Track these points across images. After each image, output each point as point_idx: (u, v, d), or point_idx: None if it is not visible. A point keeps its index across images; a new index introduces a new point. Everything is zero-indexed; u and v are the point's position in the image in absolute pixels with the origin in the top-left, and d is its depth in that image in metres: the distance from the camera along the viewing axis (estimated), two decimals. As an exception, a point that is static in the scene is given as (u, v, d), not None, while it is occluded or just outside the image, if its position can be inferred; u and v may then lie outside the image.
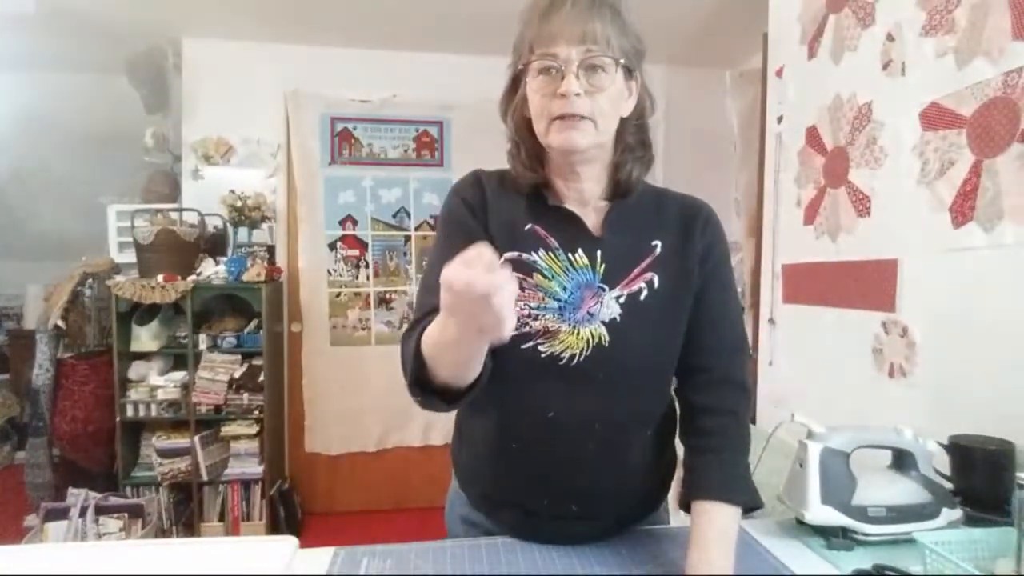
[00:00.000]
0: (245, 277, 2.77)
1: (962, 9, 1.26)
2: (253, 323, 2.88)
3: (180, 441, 2.76)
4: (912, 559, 0.81)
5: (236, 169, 3.14)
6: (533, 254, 0.83)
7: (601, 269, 0.82)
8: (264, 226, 3.07)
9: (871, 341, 1.53)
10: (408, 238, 3.34)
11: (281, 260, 3.20)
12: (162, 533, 2.74)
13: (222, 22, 2.93)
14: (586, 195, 0.86)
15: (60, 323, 2.70)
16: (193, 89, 3.13)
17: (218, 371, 2.76)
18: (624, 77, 0.81)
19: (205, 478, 2.77)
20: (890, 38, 1.48)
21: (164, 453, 2.74)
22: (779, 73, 2.02)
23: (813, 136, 1.80)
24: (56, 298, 2.75)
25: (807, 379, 1.85)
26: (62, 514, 2.48)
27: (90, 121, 3.38)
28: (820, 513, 0.91)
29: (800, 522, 0.95)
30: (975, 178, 1.23)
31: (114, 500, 2.61)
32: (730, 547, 0.77)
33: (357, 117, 3.26)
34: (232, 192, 2.96)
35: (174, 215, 2.88)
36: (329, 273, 3.27)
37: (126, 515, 2.57)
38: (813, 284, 1.80)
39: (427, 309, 0.79)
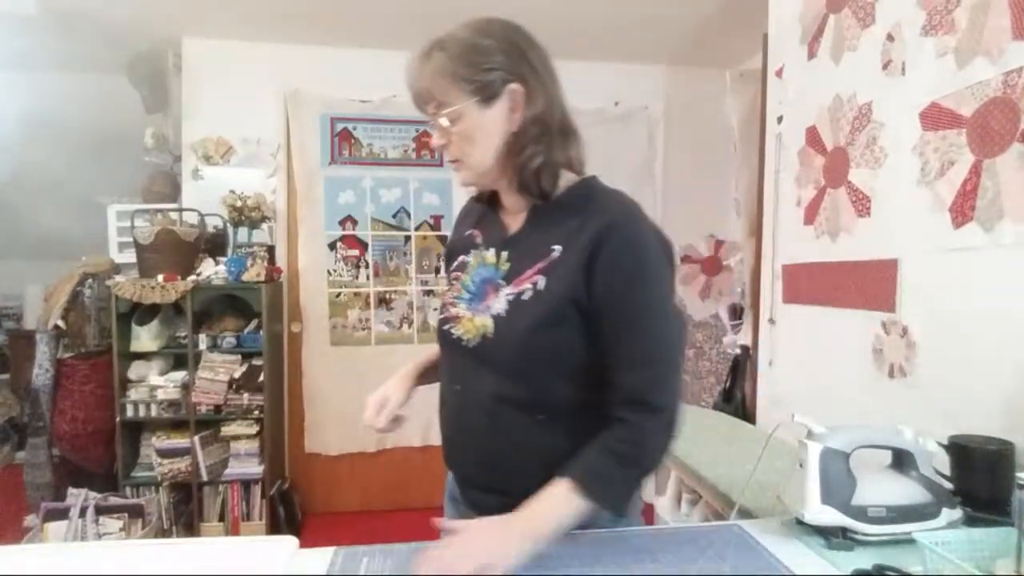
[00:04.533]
0: (245, 277, 2.77)
1: (962, 9, 1.26)
2: (253, 323, 2.87)
3: (180, 441, 2.76)
4: (912, 559, 0.81)
5: (236, 169, 3.14)
6: (466, 256, 1.00)
7: (505, 267, 0.93)
8: (264, 226, 3.07)
9: (871, 341, 1.53)
10: (408, 238, 3.34)
11: (281, 260, 3.20)
12: (162, 533, 2.74)
13: (222, 22, 2.93)
14: (515, 205, 0.96)
15: (60, 323, 2.70)
16: (193, 89, 3.13)
17: (218, 371, 2.76)
18: (481, 105, 0.87)
19: (205, 478, 2.77)
20: (890, 38, 1.48)
21: (164, 453, 2.74)
22: (779, 73, 2.02)
23: (813, 136, 1.80)
24: (56, 298, 2.75)
25: (807, 379, 1.85)
26: (62, 514, 2.48)
27: (90, 121, 3.38)
28: (820, 513, 0.91)
29: (800, 522, 0.95)
30: (975, 178, 1.23)
31: (114, 500, 2.61)
32: (552, 512, 0.81)
33: (357, 117, 3.26)
34: (232, 192, 2.96)
35: (174, 215, 2.88)
36: (329, 273, 3.27)
37: (126, 515, 2.57)
38: (813, 284, 1.80)
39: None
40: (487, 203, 1.02)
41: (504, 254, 0.94)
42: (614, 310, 0.85)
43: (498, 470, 0.93)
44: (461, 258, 1.00)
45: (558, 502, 0.81)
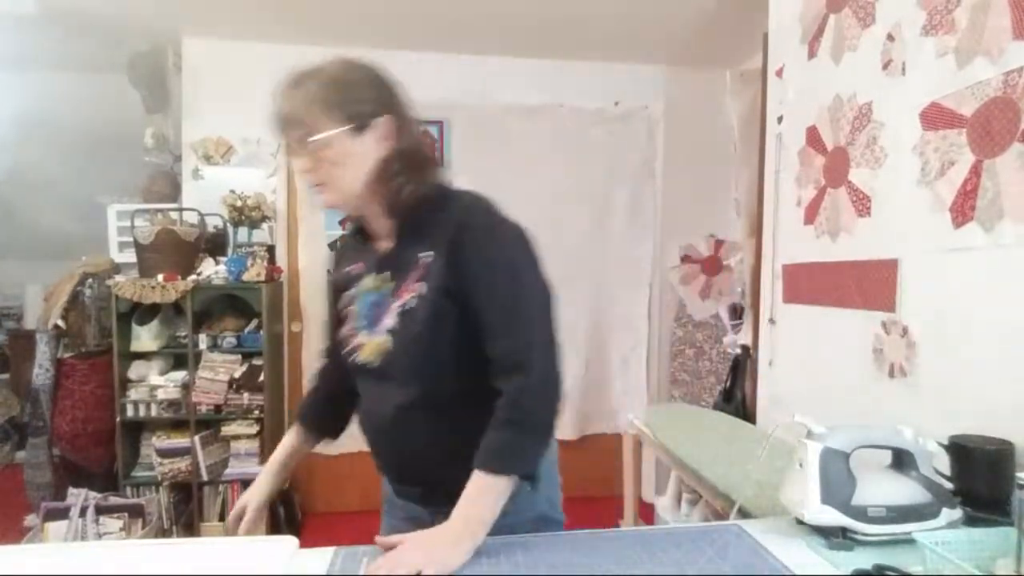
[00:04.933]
0: (245, 277, 2.77)
1: (962, 9, 1.26)
2: (253, 323, 2.87)
3: (180, 441, 2.76)
4: (912, 559, 0.81)
5: (236, 169, 3.14)
6: (352, 288, 1.05)
7: (388, 286, 0.98)
8: (264, 226, 3.07)
9: (871, 341, 1.53)
10: (408, 238, 3.34)
11: (281, 260, 3.20)
12: (162, 533, 2.74)
13: (222, 22, 2.93)
14: (382, 229, 1.01)
15: (60, 323, 2.70)
16: (193, 89, 3.13)
17: (218, 371, 2.76)
18: (352, 134, 0.92)
19: (205, 478, 2.77)
20: (890, 38, 1.48)
21: (164, 453, 2.74)
22: (779, 73, 2.02)
23: (813, 136, 1.80)
24: (56, 298, 2.75)
25: (807, 379, 1.85)
26: (62, 514, 2.48)
27: (90, 121, 3.38)
28: (820, 513, 0.91)
29: (800, 522, 0.95)
30: (975, 178, 1.23)
31: (114, 500, 2.61)
32: (474, 506, 0.87)
33: (357, 117, 3.25)
34: (232, 192, 2.96)
35: (174, 215, 2.88)
36: (329, 273, 3.27)
37: (126, 515, 2.57)
38: (813, 284, 1.80)
39: (327, 343, 1.22)
40: (357, 238, 1.08)
41: (384, 275, 0.99)
42: (479, 291, 0.92)
43: (416, 469, 1.03)
44: (346, 294, 1.06)
45: (479, 494, 0.87)
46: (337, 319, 1.09)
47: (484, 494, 0.87)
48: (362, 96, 0.94)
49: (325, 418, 1.22)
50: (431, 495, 0.99)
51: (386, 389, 0.98)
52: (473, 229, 0.94)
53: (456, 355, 0.94)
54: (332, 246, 3.27)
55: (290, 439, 1.22)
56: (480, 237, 0.94)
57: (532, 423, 0.91)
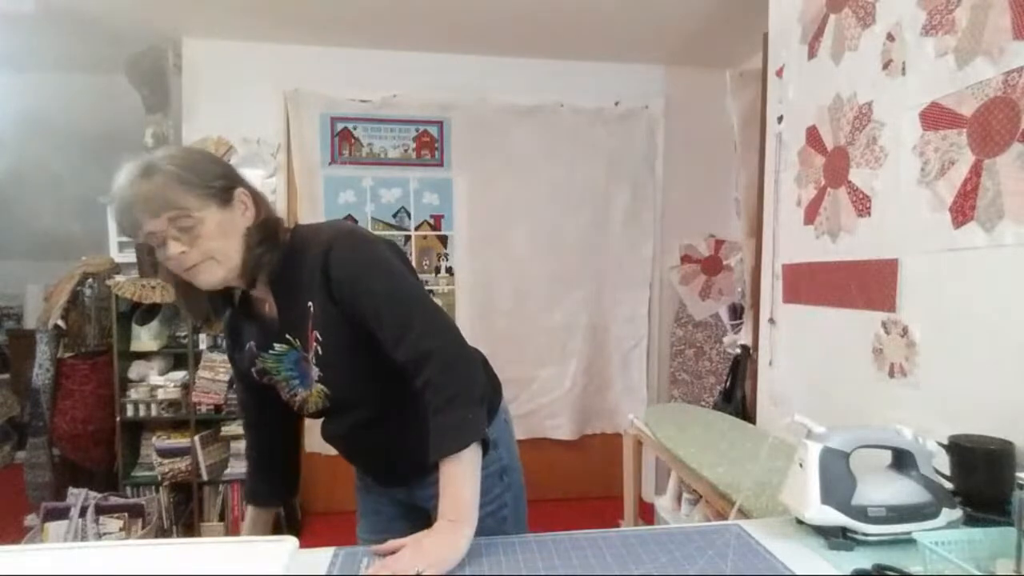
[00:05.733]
0: (245, 277, 2.77)
1: (962, 9, 1.26)
2: (253, 323, 2.87)
3: (180, 441, 2.76)
4: (912, 559, 0.81)
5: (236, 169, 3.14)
6: (257, 363, 1.08)
7: (297, 344, 1.02)
8: (264, 226, 3.06)
9: (871, 341, 1.53)
10: (408, 238, 3.34)
11: (281, 260, 3.20)
12: (162, 533, 2.74)
13: (222, 22, 2.93)
14: (260, 293, 1.04)
15: (60, 323, 2.71)
16: (193, 89, 3.13)
17: (218, 371, 2.76)
18: (220, 207, 0.95)
19: (205, 478, 2.77)
20: (890, 38, 1.48)
21: (164, 453, 2.74)
22: (779, 73, 2.02)
23: (813, 136, 1.80)
24: (56, 298, 2.75)
25: (807, 379, 1.85)
26: (62, 514, 2.48)
27: (90, 121, 3.38)
28: (820, 513, 0.91)
29: (800, 522, 0.95)
30: (975, 178, 1.23)
31: (114, 500, 2.61)
32: (455, 494, 0.89)
33: (357, 117, 3.26)
34: (232, 192, 2.96)
35: (174, 215, 2.87)
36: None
37: (126, 515, 2.58)
38: (813, 284, 1.80)
39: (246, 425, 1.29)
40: (242, 310, 1.09)
41: (287, 337, 1.03)
42: (362, 307, 0.96)
43: (392, 463, 1.13)
44: (257, 367, 1.08)
45: (452, 480, 0.90)
46: (253, 388, 1.15)
47: (457, 478, 0.90)
48: (213, 171, 0.96)
49: (275, 486, 1.27)
50: (415, 479, 1.11)
51: (343, 417, 1.09)
52: (333, 256, 0.97)
53: (381, 366, 1.00)
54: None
55: (251, 514, 1.26)
56: (341, 260, 0.97)
57: (461, 396, 0.94)
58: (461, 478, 0.90)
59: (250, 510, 1.26)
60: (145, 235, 0.93)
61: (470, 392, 0.95)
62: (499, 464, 1.13)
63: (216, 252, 0.94)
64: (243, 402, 1.28)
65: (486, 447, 0.94)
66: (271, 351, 1.05)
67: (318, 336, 0.99)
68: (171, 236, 0.92)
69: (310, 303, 0.99)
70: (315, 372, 1.02)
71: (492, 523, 1.07)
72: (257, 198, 1.02)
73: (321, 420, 1.15)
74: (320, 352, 1.00)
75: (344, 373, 1.02)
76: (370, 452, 1.15)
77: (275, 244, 1.01)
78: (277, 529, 2.81)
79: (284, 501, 1.31)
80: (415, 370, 0.94)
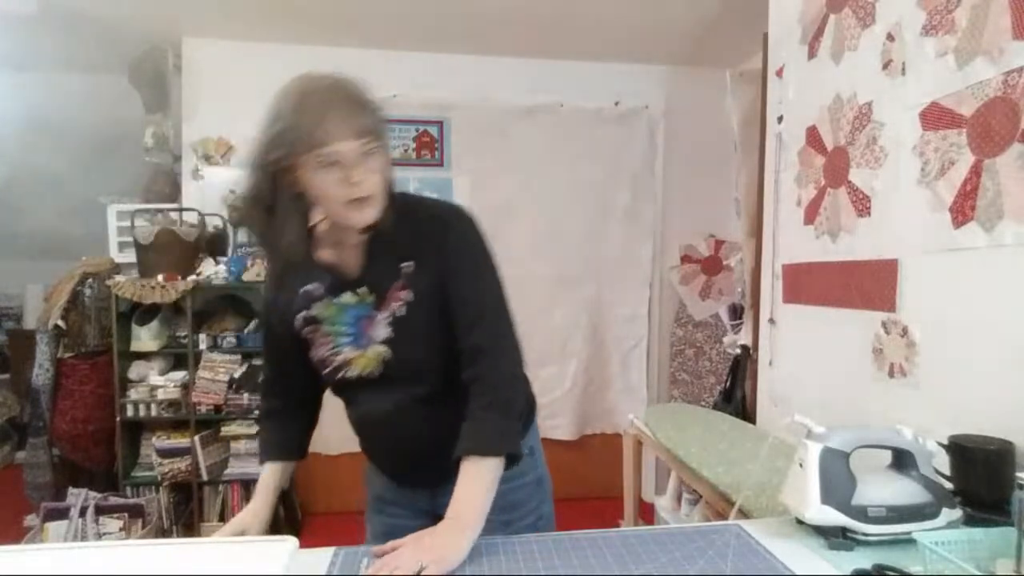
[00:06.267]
0: (245, 277, 2.77)
1: (962, 9, 1.26)
2: (253, 323, 2.87)
3: (180, 441, 2.76)
4: (912, 559, 0.81)
5: (236, 169, 3.14)
6: (310, 310, 1.02)
7: (369, 299, 1.00)
8: (264, 226, 3.06)
9: (871, 341, 1.53)
10: (408, 238, 3.34)
11: (281, 260, 3.20)
12: (162, 533, 2.74)
13: (222, 22, 2.93)
14: (352, 241, 1.00)
15: (60, 323, 2.71)
16: (193, 89, 3.13)
17: (218, 371, 2.76)
18: (387, 146, 0.95)
19: (205, 478, 2.77)
20: (890, 38, 1.48)
21: (164, 453, 2.74)
22: (779, 73, 2.02)
23: (813, 136, 1.80)
24: (56, 298, 2.75)
25: (807, 379, 1.85)
26: (62, 514, 2.48)
27: (90, 121, 3.39)
28: (820, 513, 0.91)
29: (800, 522, 0.95)
30: (975, 178, 1.23)
31: (114, 500, 2.61)
32: (469, 495, 0.90)
33: (357, 117, 3.26)
34: (232, 192, 2.96)
35: (174, 215, 2.88)
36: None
37: (126, 515, 2.58)
38: (813, 284, 1.80)
39: (269, 375, 1.22)
40: (304, 257, 1.04)
41: (361, 290, 1.00)
42: (456, 285, 0.98)
43: (429, 458, 1.02)
44: (310, 312, 1.03)
45: (472, 481, 0.91)
46: (289, 343, 1.07)
47: (477, 480, 0.90)
48: (381, 113, 0.96)
49: (291, 436, 1.20)
50: (443, 482, 0.99)
51: (387, 393, 1.02)
52: (450, 230, 1.00)
53: (451, 349, 0.99)
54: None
55: (269, 471, 1.17)
56: (456, 235, 1.00)
57: (511, 408, 0.96)
58: (479, 482, 0.90)
59: (266, 468, 1.16)
60: (325, 152, 0.88)
61: (512, 406, 0.97)
62: (536, 473, 1.13)
63: (380, 190, 0.93)
64: (275, 358, 1.18)
65: (509, 464, 0.95)
66: (337, 299, 1.01)
67: (408, 296, 0.98)
68: (358, 163, 0.89)
69: (407, 264, 0.98)
70: (383, 332, 0.99)
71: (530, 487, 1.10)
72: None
73: (347, 402, 1.10)
74: (402, 313, 0.98)
75: (419, 339, 0.99)
76: (407, 439, 1.06)
77: (392, 196, 1.00)
78: (277, 529, 2.82)
79: (299, 457, 1.21)
80: (474, 359, 0.96)
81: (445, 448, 0.97)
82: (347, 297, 1.01)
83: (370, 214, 0.93)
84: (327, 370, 1.05)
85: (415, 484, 1.13)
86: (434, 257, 0.98)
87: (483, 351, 0.96)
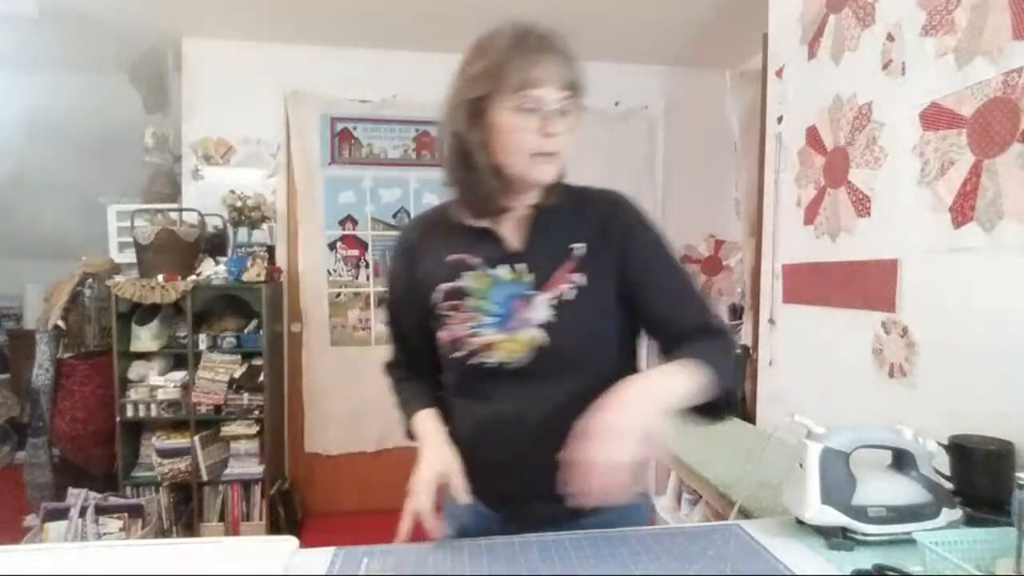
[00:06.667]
0: (245, 277, 2.77)
1: (962, 9, 1.26)
2: (253, 323, 2.87)
3: (180, 441, 2.76)
4: (912, 559, 0.81)
5: (236, 169, 3.14)
6: (459, 280, 0.93)
7: (529, 278, 0.91)
8: (264, 226, 3.07)
9: (871, 341, 1.53)
10: (408, 238, 3.34)
11: (281, 260, 3.20)
12: (162, 533, 2.74)
13: (222, 22, 2.93)
14: (522, 209, 0.94)
15: (60, 323, 2.70)
16: (193, 89, 3.13)
17: (218, 371, 2.76)
18: (578, 117, 0.90)
19: (205, 478, 2.77)
20: (890, 38, 1.48)
21: (164, 453, 2.74)
22: (779, 73, 2.02)
23: (813, 136, 1.80)
24: (56, 298, 2.75)
25: (807, 379, 1.85)
26: (62, 514, 2.48)
27: (90, 121, 3.38)
28: (820, 513, 0.91)
29: (800, 522, 0.95)
30: (975, 178, 1.23)
31: (114, 500, 2.61)
32: (661, 378, 0.84)
33: (357, 117, 3.26)
34: (232, 192, 2.96)
35: (174, 215, 2.88)
36: (329, 273, 3.27)
37: (126, 515, 2.57)
38: (813, 284, 1.80)
39: (396, 353, 1.11)
40: (453, 224, 0.96)
41: (520, 266, 0.92)
42: (653, 267, 0.93)
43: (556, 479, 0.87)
44: (459, 282, 0.93)
45: (673, 377, 0.83)
46: (414, 319, 0.98)
47: (681, 372, 0.82)
48: (585, 78, 0.90)
49: (430, 386, 1.05)
50: (567, 519, 0.90)
51: (539, 387, 0.90)
52: (629, 211, 0.96)
53: (618, 344, 0.94)
54: (332, 246, 3.27)
55: (427, 415, 1.01)
56: (637, 215, 0.96)
57: (732, 369, 0.91)
58: (679, 377, 0.82)
59: (423, 415, 1.00)
60: (533, 95, 0.84)
61: (729, 377, 0.89)
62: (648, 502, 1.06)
63: (564, 151, 0.89)
64: (395, 333, 1.08)
65: (715, 414, 0.88)
66: (492, 271, 0.92)
67: (580, 280, 0.91)
68: (556, 115, 0.85)
69: (577, 245, 0.92)
70: (542, 315, 0.89)
71: (639, 510, 1.00)
72: None
73: (472, 396, 0.94)
74: (571, 296, 0.90)
75: (585, 326, 0.91)
76: (545, 448, 0.85)
77: (563, 174, 0.96)
78: (277, 529, 2.82)
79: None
80: (691, 333, 0.90)
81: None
82: (503, 271, 0.92)
83: (551, 172, 0.89)
84: (459, 353, 0.92)
85: (534, 521, 0.94)
86: (614, 241, 0.93)
87: (698, 326, 0.91)
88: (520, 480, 0.93)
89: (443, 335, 0.94)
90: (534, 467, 0.89)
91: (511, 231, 0.95)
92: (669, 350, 0.92)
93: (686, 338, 0.90)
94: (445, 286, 0.93)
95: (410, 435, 1.03)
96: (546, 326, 0.89)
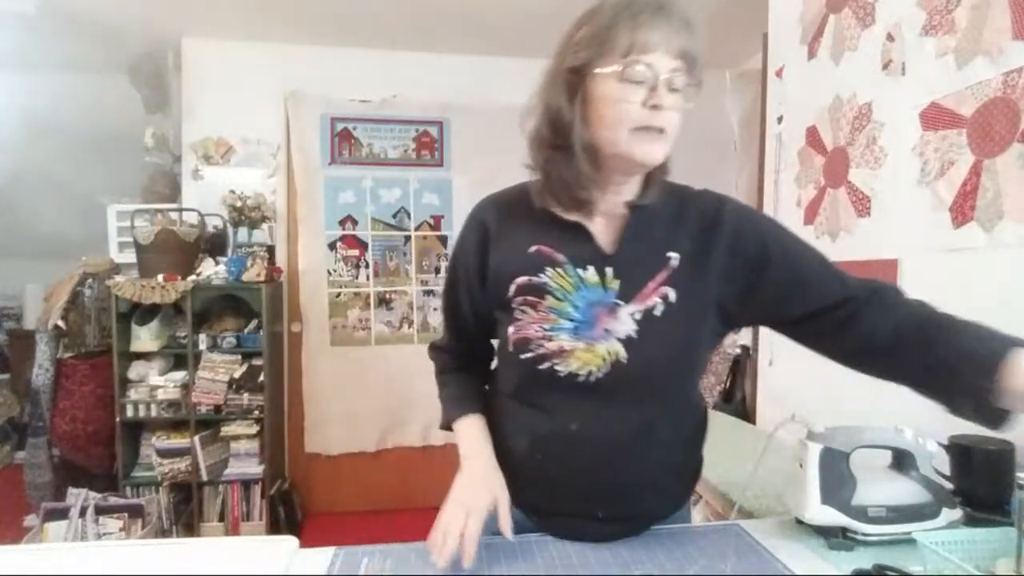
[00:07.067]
0: (245, 277, 2.77)
1: (962, 9, 1.26)
2: (253, 323, 2.87)
3: (180, 441, 2.76)
4: (912, 559, 0.81)
5: (236, 169, 3.14)
6: (541, 275, 0.84)
7: (615, 285, 0.83)
8: (264, 226, 3.07)
9: (871, 341, 1.53)
10: (408, 238, 3.34)
11: (281, 260, 3.20)
12: (162, 533, 2.74)
13: (222, 22, 2.93)
14: (617, 205, 0.85)
15: (60, 323, 2.70)
16: (193, 89, 3.13)
17: (218, 371, 2.76)
18: (693, 93, 0.81)
19: (205, 478, 2.77)
20: (890, 38, 1.48)
21: (164, 453, 2.74)
22: (779, 73, 2.02)
23: (813, 136, 1.80)
24: (56, 298, 2.75)
25: (807, 379, 1.85)
26: (62, 514, 2.48)
27: (90, 121, 3.39)
28: (820, 513, 0.91)
29: (800, 522, 0.95)
30: (975, 178, 1.23)
31: (114, 500, 2.61)
32: None
33: (357, 117, 3.26)
34: (232, 192, 2.97)
35: (174, 215, 2.88)
36: (329, 273, 3.27)
37: (126, 515, 2.57)
38: (813, 284, 1.80)
39: (447, 337, 1.01)
40: (540, 211, 0.86)
41: (609, 271, 0.83)
42: (786, 261, 0.84)
43: (621, 501, 0.87)
44: (528, 279, 0.84)
45: None
46: (472, 310, 0.91)
47: None
48: (702, 52, 0.81)
49: (478, 387, 1.00)
50: (618, 535, 0.87)
51: (611, 405, 0.83)
52: (740, 213, 0.87)
53: (696, 369, 0.89)
54: (332, 246, 3.27)
55: (472, 423, 0.94)
56: (751, 217, 0.88)
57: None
58: None
59: (470, 421, 0.94)
60: (642, 62, 0.75)
61: None
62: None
63: (673, 131, 0.80)
64: (461, 325, 0.98)
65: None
66: (578, 271, 0.83)
67: (668, 294, 0.82)
68: (664, 84, 0.76)
69: (673, 255, 0.83)
70: (625, 328, 0.82)
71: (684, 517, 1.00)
72: None
73: (533, 406, 0.87)
74: (659, 312, 0.82)
75: (669, 346, 0.82)
76: (627, 471, 0.86)
77: (666, 169, 0.86)
78: (277, 529, 2.82)
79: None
80: (874, 305, 0.83)
81: (652, 488, 0.86)
82: (590, 274, 0.83)
83: (657, 152, 0.79)
84: (528, 355, 0.84)
85: (576, 537, 0.90)
86: (711, 250, 0.83)
87: (866, 289, 0.84)
88: (571, 498, 0.89)
89: (512, 332, 0.86)
90: (590, 487, 0.87)
91: (602, 229, 0.85)
92: (842, 341, 0.86)
93: (866, 318, 0.82)
94: (522, 280, 0.84)
95: (448, 427, 0.97)
96: (627, 341, 0.82)
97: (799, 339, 0.92)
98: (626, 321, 0.82)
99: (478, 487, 0.86)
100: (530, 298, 0.84)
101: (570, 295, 0.83)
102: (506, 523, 0.84)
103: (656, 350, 0.82)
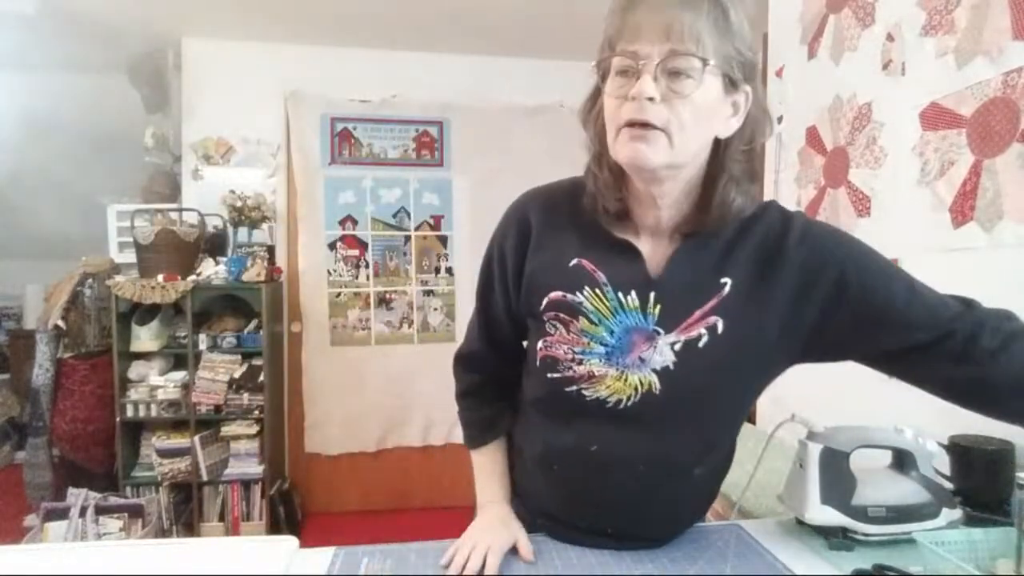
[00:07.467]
0: (245, 277, 2.77)
1: (962, 9, 1.26)
2: (253, 323, 2.87)
3: (180, 441, 2.76)
4: (912, 559, 0.81)
5: (236, 169, 3.14)
6: (578, 294, 0.78)
7: (655, 311, 0.76)
8: (264, 226, 3.07)
9: (871, 341, 1.53)
10: (408, 238, 3.34)
11: (281, 260, 3.20)
12: (162, 533, 2.74)
13: (222, 22, 2.93)
14: (662, 224, 0.78)
15: (60, 323, 2.70)
16: (193, 89, 3.13)
17: (218, 371, 2.76)
18: (724, 88, 0.70)
19: (205, 478, 2.77)
20: (890, 38, 1.48)
21: (164, 453, 2.74)
22: (779, 73, 2.02)
23: (813, 136, 1.80)
24: (56, 298, 2.75)
25: (807, 379, 1.84)
26: (62, 514, 2.48)
27: (90, 121, 3.38)
28: (820, 513, 0.91)
29: (800, 522, 0.95)
30: (975, 178, 1.23)
31: (114, 500, 2.61)
32: None
33: (357, 117, 3.26)
34: (232, 192, 2.97)
35: (174, 215, 2.88)
36: (329, 273, 3.27)
37: (126, 515, 2.57)
38: (813, 284, 1.80)
39: (479, 343, 0.94)
40: (589, 222, 0.80)
41: (651, 295, 0.76)
42: (865, 288, 0.75)
43: (637, 525, 0.85)
44: (563, 296, 0.78)
45: None
46: (518, 308, 0.85)
47: None
48: (746, 47, 0.71)
49: (504, 410, 0.95)
50: (630, 547, 0.86)
51: (632, 434, 0.79)
52: (814, 234, 0.77)
53: (736, 407, 0.83)
54: (332, 246, 3.27)
55: (490, 455, 0.93)
56: (827, 238, 0.78)
57: None
58: None
59: (488, 454, 0.92)
60: (621, 52, 0.68)
61: None
62: None
63: (680, 129, 0.68)
64: (492, 328, 0.92)
65: None
66: (618, 295, 0.77)
67: (716, 324, 0.75)
68: (652, 72, 0.66)
69: (727, 280, 0.75)
70: (663, 359, 0.76)
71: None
72: (751, 115, 0.74)
73: (557, 420, 0.84)
74: (701, 345, 0.75)
75: (709, 382, 0.77)
76: (644, 502, 0.83)
77: (743, 189, 0.74)
78: (277, 529, 2.82)
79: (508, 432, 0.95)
80: (957, 309, 0.77)
81: (658, 522, 0.84)
82: (631, 299, 0.77)
83: (647, 152, 0.68)
84: (555, 375, 0.80)
85: (584, 545, 0.88)
86: (772, 279, 0.75)
87: (956, 306, 0.77)
88: (581, 511, 0.86)
89: (540, 347, 0.81)
90: (603, 506, 0.84)
91: (650, 249, 0.78)
92: (950, 370, 0.80)
93: (975, 342, 0.76)
94: (556, 295, 0.79)
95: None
96: (663, 372, 0.76)
97: (902, 377, 0.85)
98: (664, 352, 0.76)
99: (497, 527, 0.85)
100: (562, 315, 0.79)
101: (606, 320, 0.77)
102: (527, 549, 0.83)
103: (694, 382, 0.76)
